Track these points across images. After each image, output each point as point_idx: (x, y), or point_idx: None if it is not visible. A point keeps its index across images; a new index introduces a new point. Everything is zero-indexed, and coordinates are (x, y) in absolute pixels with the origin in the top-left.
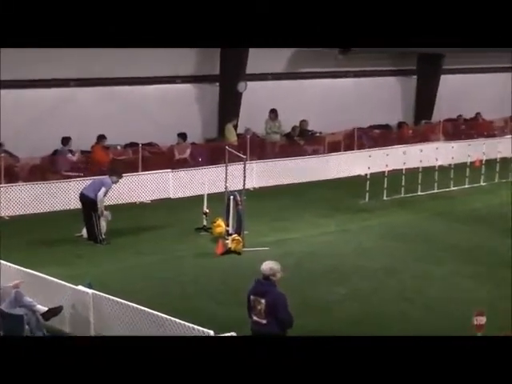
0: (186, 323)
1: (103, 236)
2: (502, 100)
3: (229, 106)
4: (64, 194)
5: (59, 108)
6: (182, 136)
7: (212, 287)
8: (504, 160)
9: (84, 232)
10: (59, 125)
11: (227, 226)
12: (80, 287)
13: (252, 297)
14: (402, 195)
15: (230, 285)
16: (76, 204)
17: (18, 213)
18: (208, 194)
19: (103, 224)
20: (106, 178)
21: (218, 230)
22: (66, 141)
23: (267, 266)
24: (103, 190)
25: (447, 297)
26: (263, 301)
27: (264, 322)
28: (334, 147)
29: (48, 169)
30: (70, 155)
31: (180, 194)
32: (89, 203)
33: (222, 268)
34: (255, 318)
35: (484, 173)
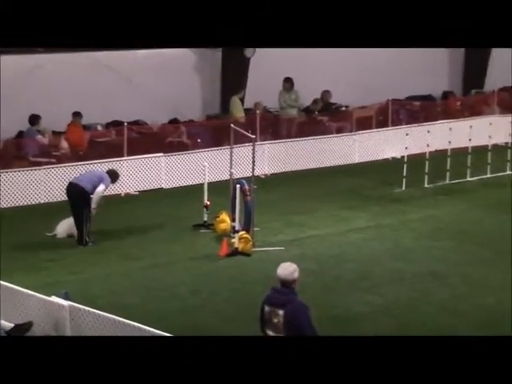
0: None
1: (89, 238)
2: None
3: (234, 75)
4: (33, 185)
5: (24, 80)
6: (174, 122)
7: (216, 298)
8: None
9: (58, 231)
10: (24, 100)
11: (233, 221)
12: (54, 298)
13: (267, 307)
14: (448, 182)
15: (239, 294)
16: (48, 197)
17: None
18: (209, 183)
19: None
20: (104, 174)
21: (222, 226)
22: (34, 119)
23: (287, 269)
24: (102, 187)
25: (510, 309)
26: (281, 312)
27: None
28: (364, 124)
29: (13, 154)
30: (40, 136)
31: (175, 184)
32: (81, 195)
33: (227, 274)
34: (270, 333)
35: None
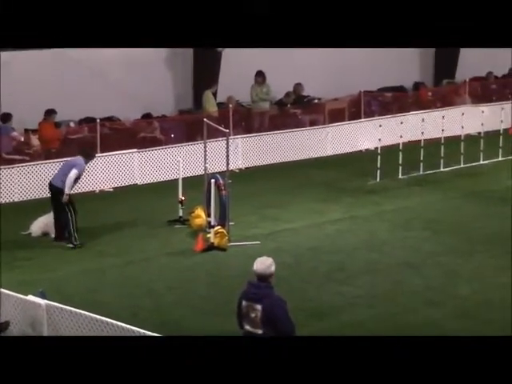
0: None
1: (76, 238)
2: None
3: (206, 70)
4: (6, 183)
5: None
6: (147, 117)
7: (193, 294)
8: None
9: (33, 229)
10: None
11: (208, 216)
12: (30, 297)
13: (244, 302)
14: (421, 172)
15: (215, 289)
16: (22, 195)
17: None
18: (183, 178)
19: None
20: (77, 159)
21: (198, 221)
22: (6, 117)
23: (264, 263)
24: (74, 171)
25: (485, 299)
26: (259, 307)
27: (259, 332)
28: (337, 116)
29: None
30: (15, 133)
31: (149, 179)
32: (57, 194)
33: (203, 269)
34: (248, 327)
35: None
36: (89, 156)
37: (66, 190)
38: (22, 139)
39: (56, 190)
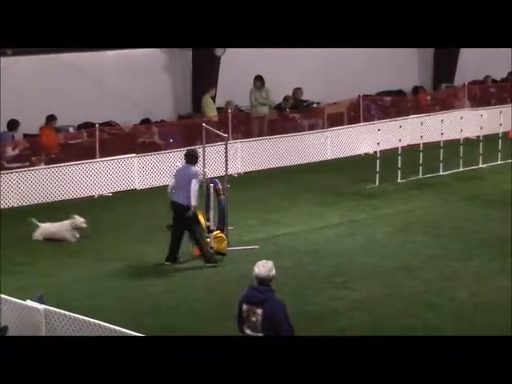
0: None
1: (175, 255)
2: None
3: (205, 74)
4: (5, 188)
5: None
6: (145, 122)
7: (192, 298)
8: None
9: (36, 235)
10: None
11: (207, 220)
12: (29, 302)
13: (245, 306)
14: (420, 176)
15: (214, 294)
16: (21, 201)
17: None
18: None
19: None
20: (189, 169)
21: None
22: (13, 125)
23: (265, 267)
24: (195, 182)
25: (484, 302)
26: (259, 311)
27: (260, 336)
28: (336, 120)
29: None
30: (9, 148)
31: (148, 184)
32: (184, 211)
33: (202, 273)
34: (248, 331)
35: None
36: (196, 160)
37: (193, 203)
38: (12, 153)
39: (181, 208)
